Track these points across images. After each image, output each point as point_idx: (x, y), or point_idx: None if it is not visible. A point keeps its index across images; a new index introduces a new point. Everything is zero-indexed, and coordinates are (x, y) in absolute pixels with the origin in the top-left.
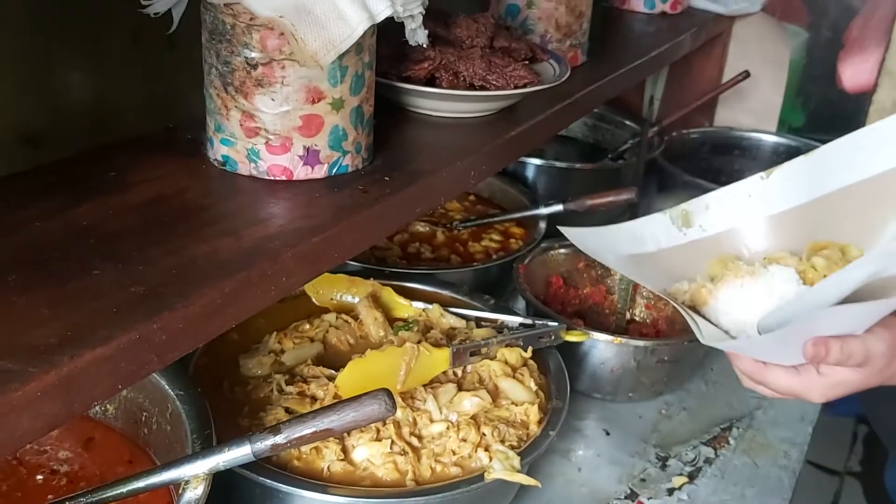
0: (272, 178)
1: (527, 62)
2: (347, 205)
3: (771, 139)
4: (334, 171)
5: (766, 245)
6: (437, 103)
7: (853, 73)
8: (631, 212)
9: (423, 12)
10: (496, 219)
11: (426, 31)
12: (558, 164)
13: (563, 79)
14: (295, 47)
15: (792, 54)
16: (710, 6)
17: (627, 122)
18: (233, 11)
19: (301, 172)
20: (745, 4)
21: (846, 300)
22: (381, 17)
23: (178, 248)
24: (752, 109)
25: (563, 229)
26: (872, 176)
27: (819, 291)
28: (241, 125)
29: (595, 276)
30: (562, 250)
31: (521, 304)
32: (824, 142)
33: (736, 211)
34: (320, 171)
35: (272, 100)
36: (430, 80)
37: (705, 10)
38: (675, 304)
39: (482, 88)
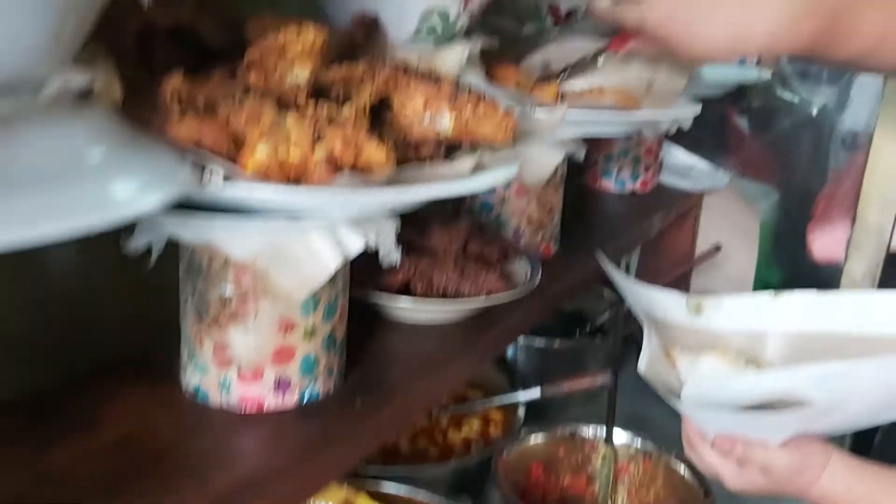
0: (243, 409)
1: (501, 261)
2: (317, 440)
3: None
4: (306, 398)
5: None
6: (411, 309)
7: (822, 244)
8: (609, 394)
9: (396, 235)
10: (473, 406)
11: (399, 249)
12: (536, 343)
13: (535, 284)
14: (269, 286)
15: (763, 215)
16: (680, 183)
17: (605, 294)
18: (209, 250)
19: (272, 402)
20: (712, 181)
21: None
22: (354, 254)
23: (146, 502)
24: (727, 276)
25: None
26: (881, 336)
27: (740, 381)
28: (213, 355)
29: (575, 462)
30: (541, 436)
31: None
32: None
33: (744, 318)
34: (291, 400)
35: (245, 332)
36: (405, 287)
37: (675, 187)
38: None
39: (456, 295)
